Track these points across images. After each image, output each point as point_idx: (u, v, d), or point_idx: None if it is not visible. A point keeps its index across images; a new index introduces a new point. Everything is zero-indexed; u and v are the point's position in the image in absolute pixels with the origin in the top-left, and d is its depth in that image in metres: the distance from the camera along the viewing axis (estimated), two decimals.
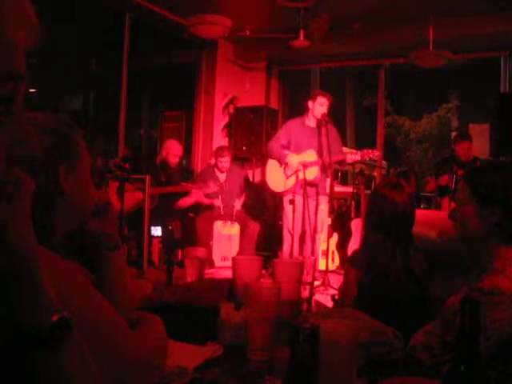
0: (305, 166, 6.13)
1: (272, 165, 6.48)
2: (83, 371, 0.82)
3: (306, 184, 6.13)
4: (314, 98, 6.30)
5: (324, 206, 6.47)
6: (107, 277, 1.43)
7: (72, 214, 1.30)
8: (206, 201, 7.05)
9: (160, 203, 6.42)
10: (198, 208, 7.13)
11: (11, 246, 0.74)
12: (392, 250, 2.79)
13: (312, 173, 6.22)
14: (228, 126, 8.88)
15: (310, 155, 6.24)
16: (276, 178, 6.42)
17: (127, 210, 5.36)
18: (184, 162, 8.49)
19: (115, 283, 1.44)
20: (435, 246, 2.78)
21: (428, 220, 3.14)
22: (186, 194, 7.03)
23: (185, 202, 6.99)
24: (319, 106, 6.23)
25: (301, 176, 6.12)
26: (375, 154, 6.40)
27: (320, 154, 6.19)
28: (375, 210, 2.91)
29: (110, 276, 1.44)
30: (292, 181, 6.28)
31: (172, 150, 7.05)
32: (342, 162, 6.52)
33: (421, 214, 2.97)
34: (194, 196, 7.00)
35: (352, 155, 6.27)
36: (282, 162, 6.35)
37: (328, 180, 6.42)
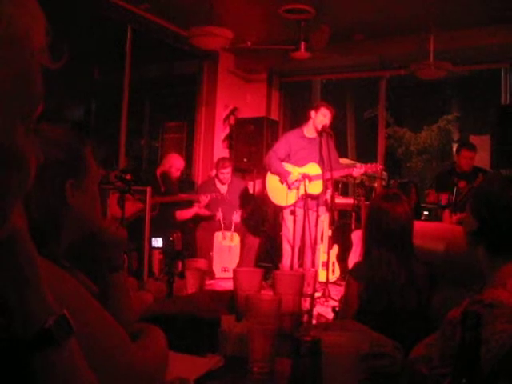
0: (309, 178, 6.11)
1: (273, 178, 6.43)
2: (82, 370, 0.82)
3: (308, 197, 6.11)
4: (317, 109, 6.25)
5: (324, 217, 6.47)
6: (110, 295, 1.44)
7: (78, 227, 1.32)
8: (206, 212, 7.06)
9: (160, 214, 6.43)
10: (197, 219, 7.14)
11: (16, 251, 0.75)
12: (396, 264, 2.79)
13: (317, 187, 6.19)
14: (229, 137, 8.89)
15: (313, 168, 6.21)
16: (277, 191, 6.36)
17: (128, 217, 5.36)
18: (185, 175, 8.50)
19: (118, 301, 1.45)
20: (442, 258, 2.77)
21: (434, 232, 3.13)
22: (185, 204, 7.05)
23: (183, 214, 7.00)
24: (322, 117, 6.18)
25: (302, 190, 6.08)
26: (378, 168, 6.45)
27: (322, 165, 6.17)
28: (377, 223, 2.90)
29: (113, 294, 1.45)
30: (294, 197, 6.22)
31: (175, 164, 7.08)
32: (347, 176, 6.57)
33: (426, 226, 2.97)
34: (193, 208, 7.03)
35: (357, 169, 6.26)
36: (283, 180, 6.32)
37: (328, 191, 6.43)
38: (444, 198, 6.69)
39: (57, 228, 1.26)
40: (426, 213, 8.11)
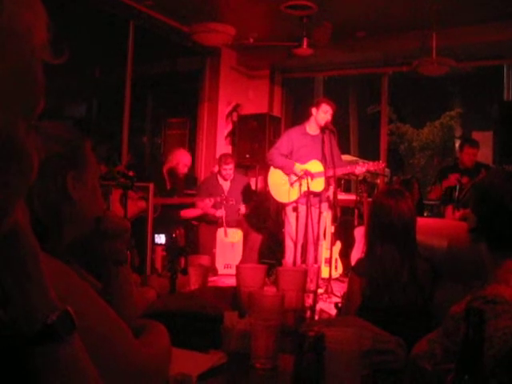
0: (312, 176, 6.10)
1: (274, 175, 6.42)
2: (85, 366, 0.82)
3: (310, 193, 6.10)
4: (317, 105, 6.25)
5: (326, 214, 6.47)
6: (114, 290, 1.44)
7: (80, 220, 1.32)
8: (211, 212, 7.04)
9: (163, 211, 6.42)
10: (201, 216, 7.14)
11: (20, 244, 0.75)
12: (399, 260, 2.79)
13: (319, 184, 6.18)
14: (231, 133, 8.89)
15: (316, 165, 6.20)
16: (280, 188, 6.36)
17: (130, 218, 5.36)
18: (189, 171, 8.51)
19: (121, 296, 1.45)
20: (445, 255, 2.76)
21: (437, 229, 3.13)
22: (189, 205, 7.05)
23: (189, 213, 6.99)
24: (323, 114, 6.18)
25: (304, 187, 6.08)
26: (381, 166, 6.43)
27: (324, 163, 6.17)
28: (380, 220, 2.89)
29: (117, 289, 1.45)
30: (296, 193, 6.22)
31: (183, 160, 7.05)
32: (350, 174, 6.56)
33: (429, 222, 2.95)
34: (200, 208, 7.02)
35: (360, 167, 6.25)
36: (287, 171, 6.31)
37: (331, 188, 6.42)
38: (452, 179, 6.65)
39: (59, 222, 1.26)
40: (428, 209, 8.10)
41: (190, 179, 8.20)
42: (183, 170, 7.06)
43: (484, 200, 1.76)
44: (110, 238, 1.48)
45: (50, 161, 1.21)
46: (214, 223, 7.06)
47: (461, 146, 7.10)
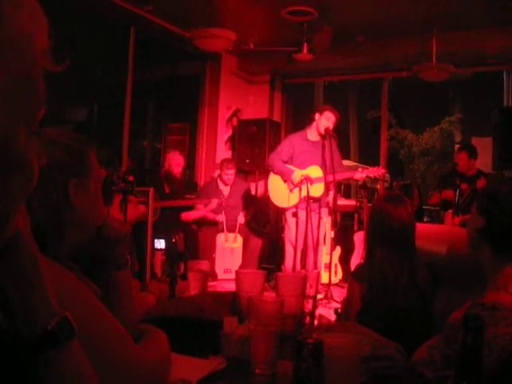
0: (311, 181, 6.09)
1: (274, 180, 6.42)
2: (85, 372, 0.83)
3: (310, 199, 6.09)
4: (321, 111, 6.24)
5: (326, 219, 6.47)
6: (114, 294, 1.44)
7: (81, 227, 1.32)
8: (211, 216, 7.06)
9: (162, 216, 6.42)
10: (201, 221, 7.14)
11: (21, 250, 0.76)
12: (399, 265, 2.79)
13: (318, 189, 6.18)
14: (231, 138, 8.89)
15: (316, 171, 6.19)
16: (279, 193, 6.36)
17: (129, 223, 5.35)
18: (187, 174, 8.50)
19: (122, 300, 1.45)
20: (444, 261, 2.76)
21: (437, 235, 3.13)
22: (190, 207, 7.06)
23: (189, 215, 7.00)
24: (325, 120, 6.17)
25: (304, 192, 6.08)
26: (381, 172, 6.42)
27: (324, 168, 6.17)
28: (379, 225, 2.90)
29: (117, 294, 1.45)
30: (296, 198, 6.22)
31: (174, 161, 7.10)
32: (350, 179, 6.57)
33: (429, 228, 2.96)
34: (200, 211, 7.04)
35: (359, 173, 6.24)
36: (286, 178, 6.32)
37: (331, 193, 6.42)
38: (449, 194, 6.69)
39: (60, 228, 1.26)
40: (427, 215, 8.10)
41: (190, 184, 8.21)
42: (177, 170, 7.09)
43: (494, 202, 1.77)
44: (112, 244, 1.48)
45: (53, 167, 1.22)
46: (214, 224, 7.07)
47: (456, 154, 7.19)
